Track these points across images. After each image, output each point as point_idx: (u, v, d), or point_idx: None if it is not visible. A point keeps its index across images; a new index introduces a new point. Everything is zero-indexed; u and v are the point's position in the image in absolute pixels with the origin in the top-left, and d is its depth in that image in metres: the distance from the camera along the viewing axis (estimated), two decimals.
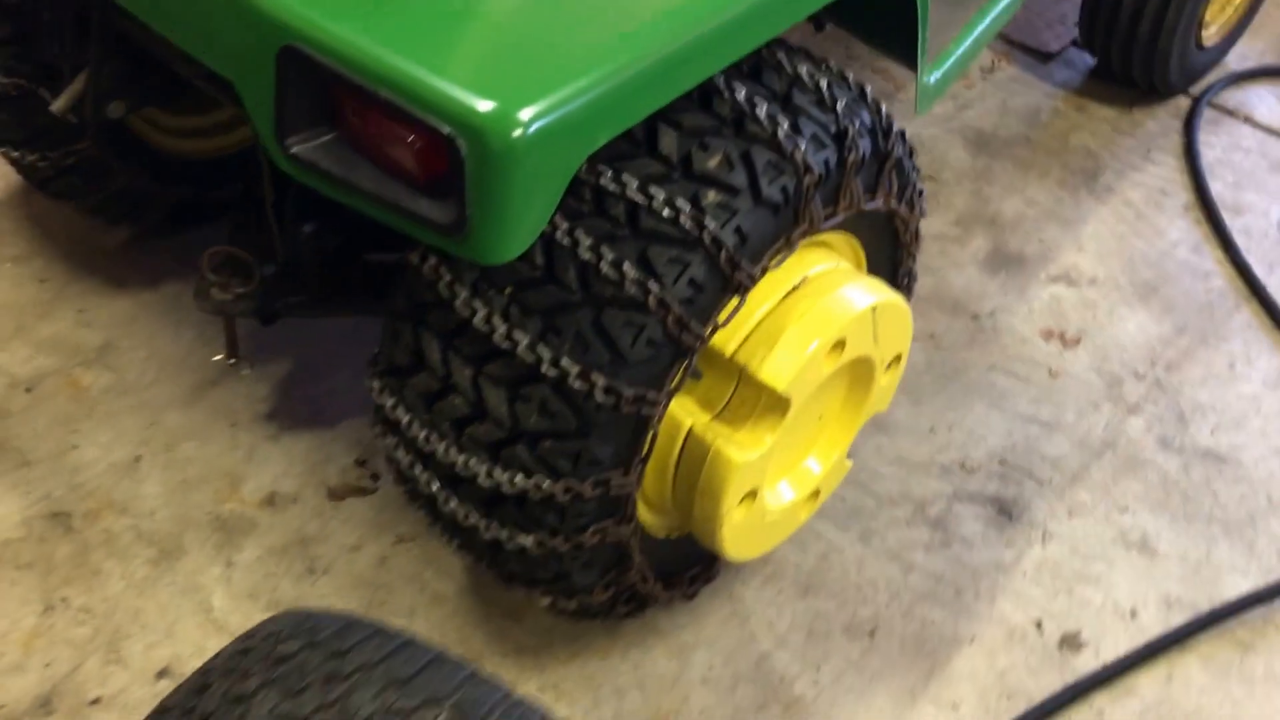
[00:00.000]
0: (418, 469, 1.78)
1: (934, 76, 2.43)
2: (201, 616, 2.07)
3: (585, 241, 1.61)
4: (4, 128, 2.25)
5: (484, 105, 1.40)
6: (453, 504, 1.76)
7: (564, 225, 1.62)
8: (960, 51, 2.51)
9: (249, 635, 1.31)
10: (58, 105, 2.04)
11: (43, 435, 2.30)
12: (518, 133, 1.40)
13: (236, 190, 2.54)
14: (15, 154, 2.29)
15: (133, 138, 2.36)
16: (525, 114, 1.40)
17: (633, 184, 1.62)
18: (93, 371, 2.41)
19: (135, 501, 2.21)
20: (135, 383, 2.40)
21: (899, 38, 2.14)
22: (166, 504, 2.21)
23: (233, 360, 2.29)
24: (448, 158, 1.43)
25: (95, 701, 1.96)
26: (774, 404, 1.78)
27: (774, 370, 1.75)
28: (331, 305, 2.15)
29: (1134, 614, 2.24)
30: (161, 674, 1.99)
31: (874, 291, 1.86)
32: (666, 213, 1.61)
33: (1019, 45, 3.57)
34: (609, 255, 1.60)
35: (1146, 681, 2.15)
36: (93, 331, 2.48)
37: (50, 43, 2.05)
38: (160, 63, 2.05)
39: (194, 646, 2.02)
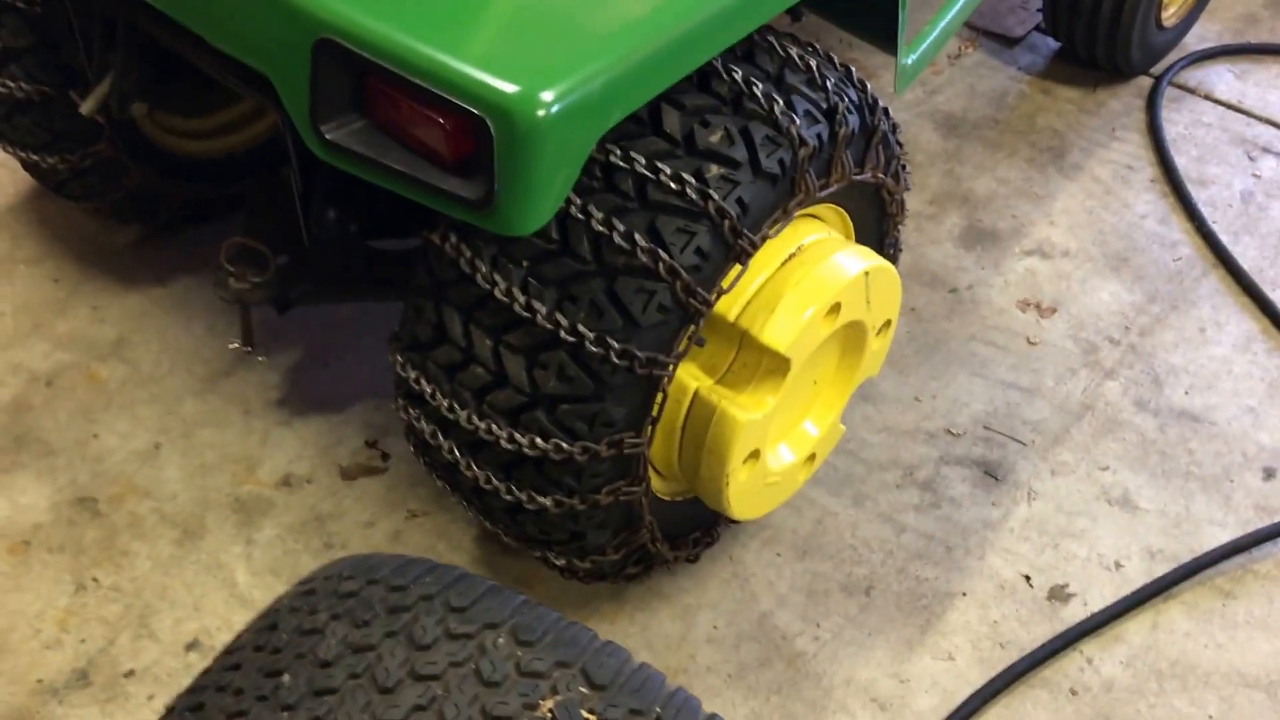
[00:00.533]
0: (440, 438, 1.87)
1: (911, 58, 2.54)
2: (226, 592, 2.15)
3: (597, 215, 1.71)
4: (26, 132, 2.32)
5: (511, 88, 1.50)
6: (474, 470, 1.85)
7: (577, 201, 1.71)
8: (935, 34, 2.62)
9: (309, 579, 1.40)
10: (86, 107, 2.12)
11: (65, 426, 2.37)
12: (542, 112, 1.50)
13: (243, 187, 2.64)
14: (35, 157, 2.36)
15: (145, 140, 2.44)
16: (548, 95, 1.51)
17: (640, 160, 1.72)
18: (109, 365, 2.48)
19: (157, 486, 2.29)
20: (150, 374, 2.47)
21: (875, 23, 2.24)
22: (187, 487, 2.29)
23: (248, 348, 2.37)
24: (476, 138, 1.53)
25: (129, 674, 2.03)
26: (775, 365, 1.88)
27: (775, 333, 1.85)
28: (343, 292, 2.25)
29: (1118, 566, 2.35)
30: (191, 646, 2.07)
31: (866, 258, 1.96)
32: (673, 185, 1.71)
33: (984, 31, 3.70)
34: (620, 227, 1.70)
35: (1133, 629, 2.26)
36: (107, 327, 2.56)
37: (77, 48, 2.13)
38: (180, 63, 2.14)
39: (221, 620, 2.10)
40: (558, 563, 1.99)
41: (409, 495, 2.32)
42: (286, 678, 1.27)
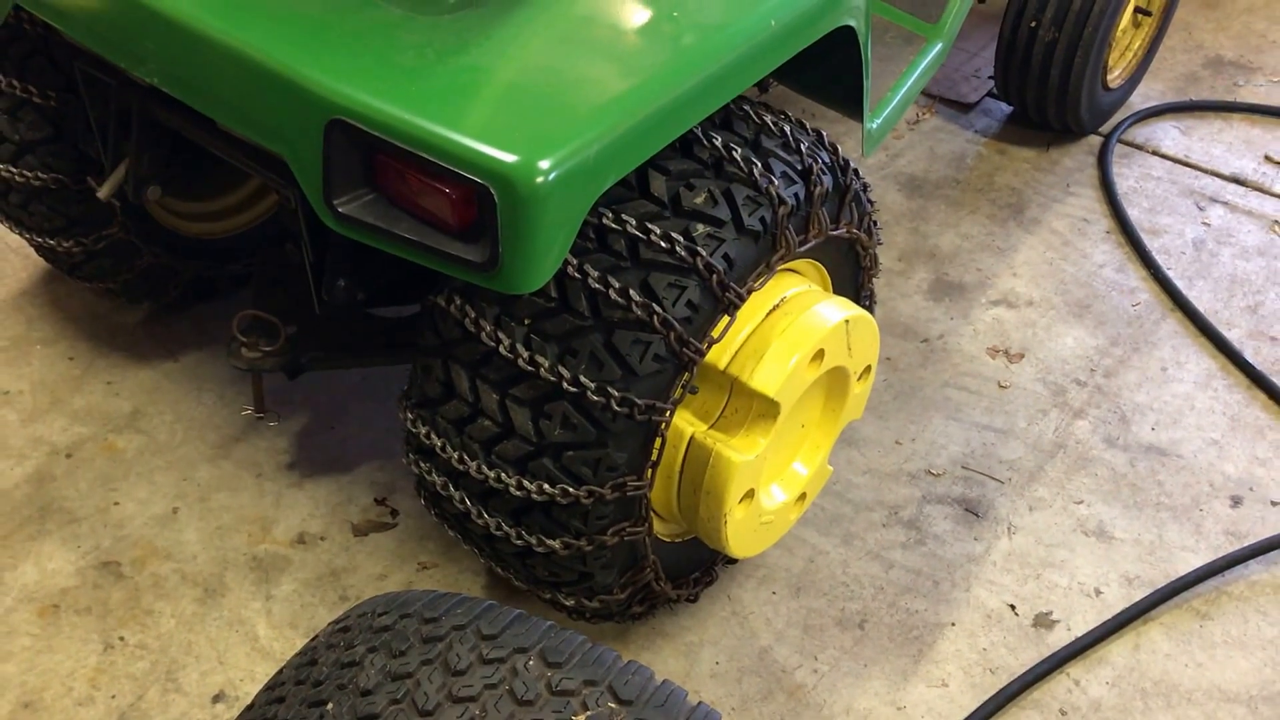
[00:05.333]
0: (451, 489, 1.98)
1: (875, 123, 2.71)
2: (248, 646, 2.24)
3: (593, 274, 1.83)
4: (43, 218, 2.45)
5: (511, 158, 1.62)
6: (485, 517, 1.96)
7: (574, 261, 1.84)
8: (896, 100, 2.80)
9: (343, 618, 1.49)
10: (103, 192, 2.25)
11: (86, 495, 2.47)
12: (540, 179, 1.63)
13: (247, 265, 2.77)
14: (51, 242, 2.48)
15: (154, 223, 2.57)
16: (545, 163, 1.63)
17: (632, 222, 1.85)
18: (125, 436, 2.59)
19: (177, 548, 2.39)
20: (166, 443, 2.58)
21: (839, 91, 2.40)
22: (206, 548, 2.39)
23: (261, 414, 2.48)
24: (479, 205, 1.66)
25: None
26: (765, 409, 2.01)
27: (764, 378, 1.97)
28: (351, 357, 2.36)
29: (1098, 592, 2.47)
30: (217, 698, 2.16)
31: (845, 308, 2.10)
32: (663, 244, 1.84)
33: (940, 98, 3.89)
34: (615, 284, 1.82)
35: (1116, 651, 2.38)
36: (122, 400, 2.67)
37: (92, 137, 2.26)
38: (190, 147, 2.27)
39: (245, 672, 2.19)
40: (567, 603, 2.10)
41: (419, 549, 2.43)
42: (330, 706, 1.35)
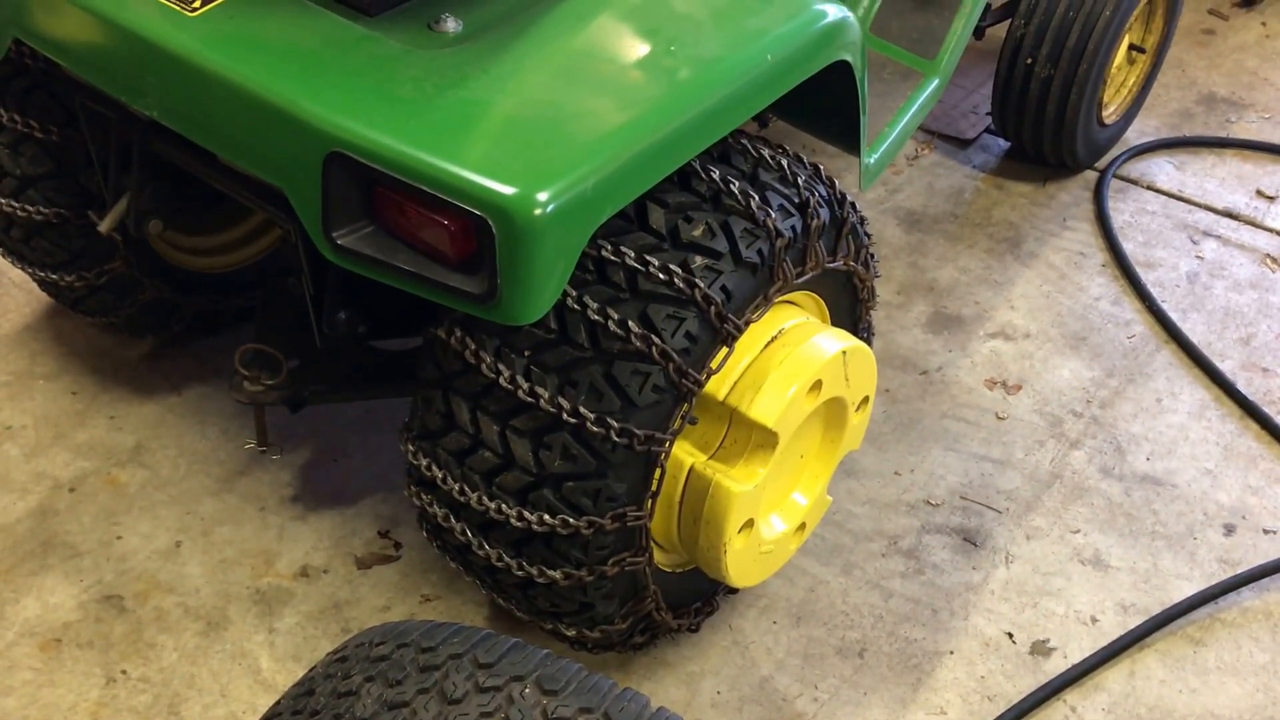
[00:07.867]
0: (452, 520, 2.00)
1: (873, 158, 2.75)
2: (251, 678, 2.25)
3: (593, 305, 1.86)
4: (45, 253, 2.47)
5: (509, 190, 1.65)
6: (486, 549, 1.98)
7: (573, 293, 1.87)
8: (894, 135, 2.84)
9: (340, 648, 1.51)
10: (104, 226, 2.28)
11: (89, 529, 2.49)
12: (538, 211, 1.65)
13: (249, 299, 2.79)
14: (53, 276, 2.51)
15: (157, 257, 2.60)
16: (543, 196, 1.66)
17: (630, 254, 1.88)
18: (128, 470, 2.61)
19: (180, 581, 2.40)
20: (169, 477, 2.60)
21: (837, 127, 2.43)
22: (209, 582, 2.40)
23: (263, 448, 2.50)
24: (478, 236, 1.68)
25: None
26: (764, 440, 2.03)
27: (763, 409, 1.99)
28: (353, 390, 2.39)
29: (1094, 620, 2.48)
30: None
31: (843, 339, 2.12)
32: (662, 276, 1.87)
33: (939, 134, 3.93)
34: (615, 315, 1.85)
35: (1112, 678, 2.38)
36: (125, 434, 2.69)
37: (94, 171, 2.29)
38: (190, 185, 2.30)
39: (247, 704, 2.20)
40: (568, 633, 2.11)
41: (422, 581, 2.44)
42: None
